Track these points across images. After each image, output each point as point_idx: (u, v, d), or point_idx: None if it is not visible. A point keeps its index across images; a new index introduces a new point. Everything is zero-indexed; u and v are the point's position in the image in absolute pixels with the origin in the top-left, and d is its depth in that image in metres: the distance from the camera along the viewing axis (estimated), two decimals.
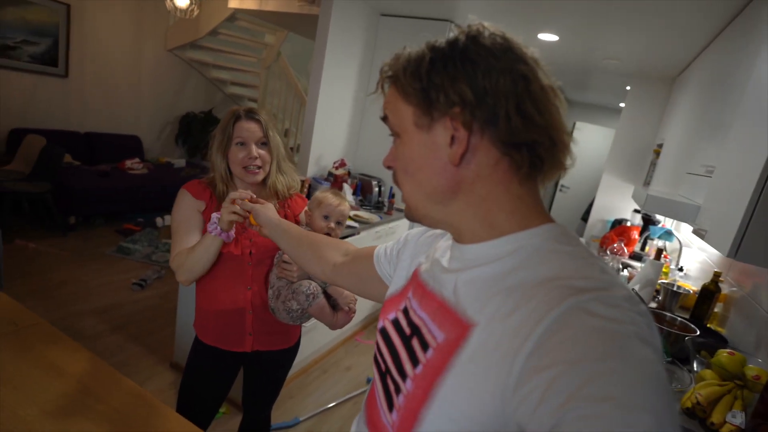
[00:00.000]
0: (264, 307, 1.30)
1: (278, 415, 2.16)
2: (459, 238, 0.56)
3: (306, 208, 1.34)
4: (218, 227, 1.12)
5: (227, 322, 1.29)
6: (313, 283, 1.25)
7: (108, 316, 2.77)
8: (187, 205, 1.24)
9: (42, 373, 1.08)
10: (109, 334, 2.58)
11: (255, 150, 1.21)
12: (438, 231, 0.69)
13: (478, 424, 0.45)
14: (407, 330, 0.59)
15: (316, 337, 2.55)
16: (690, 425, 1.17)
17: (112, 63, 4.78)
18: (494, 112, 0.48)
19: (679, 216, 1.55)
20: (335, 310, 1.30)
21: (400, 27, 3.21)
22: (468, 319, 0.49)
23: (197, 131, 5.58)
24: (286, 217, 1.33)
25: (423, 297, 0.59)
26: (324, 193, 1.31)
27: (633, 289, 1.95)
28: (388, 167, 0.60)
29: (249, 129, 1.21)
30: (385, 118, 0.58)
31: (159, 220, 4.29)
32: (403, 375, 0.55)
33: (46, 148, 3.82)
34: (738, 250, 1.05)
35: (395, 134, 0.56)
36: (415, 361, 0.54)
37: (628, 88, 3.75)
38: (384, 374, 0.61)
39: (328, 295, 1.29)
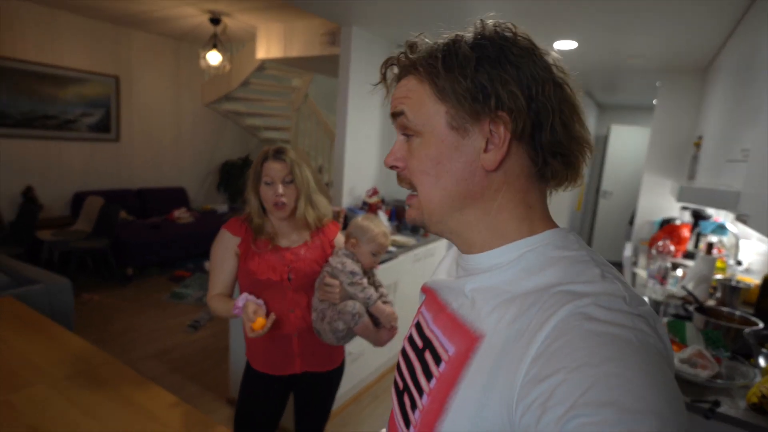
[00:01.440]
0: (308, 329, 1.37)
1: None
2: (468, 248, 0.55)
3: (347, 234, 1.40)
4: (241, 313, 1.26)
5: (276, 347, 1.36)
6: (357, 303, 1.31)
7: (166, 357, 2.91)
8: (223, 245, 1.37)
9: (115, 404, 1.17)
10: (168, 375, 2.70)
11: (281, 188, 1.32)
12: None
13: None
14: (420, 343, 0.59)
15: (365, 364, 2.56)
16: (757, 420, 1.11)
17: (155, 122, 5.19)
18: (539, 120, 0.47)
19: (718, 204, 1.50)
20: (378, 327, 1.35)
21: None
22: (475, 331, 0.49)
23: (236, 177, 5.89)
24: (321, 242, 1.42)
25: (435, 310, 0.58)
26: (373, 228, 1.36)
27: (684, 287, 1.87)
28: (393, 167, 0.55)
29: (275, 168, 1.32)
30: (398, 114, 0.53)
31: (207, 264, 4.47)
32: (419, 390, 0.54)
33: (104, 207, 4.15)
34: None
35: (412, 132, 0.52)
36: (429, 375, 0.53)
37: (658, 84, 3.67)
38: (401, 392, 0.60)
39: (370, 314, 1.34)
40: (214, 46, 4.08)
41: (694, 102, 3.42)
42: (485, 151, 0.48)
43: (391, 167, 0.55)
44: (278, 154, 1.34)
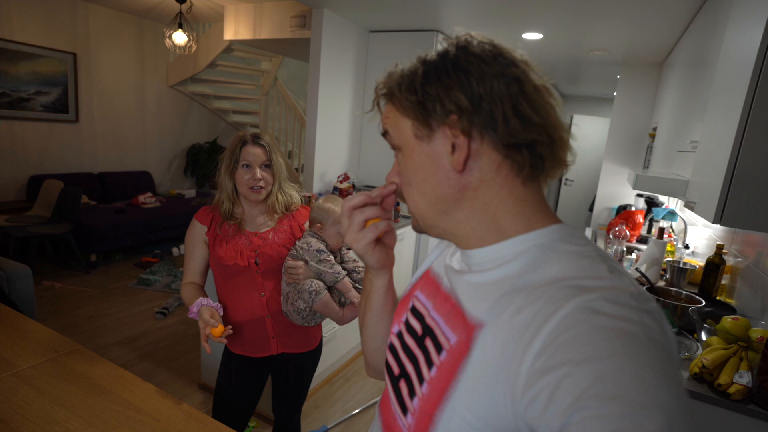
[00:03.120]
0: (281, 311, 1.40)
1: (307, 424, 2.22)
2: (466, 245, 0.56)
3: (310, 219, 1.43)
4: (197, 317, 1.28)
5: (251, 330, 1.40)
6: (315, 281, 1.34)
7: (135, 344, 2.87)
8: (193, 234, 1.40)
9: (85, 392, 1.16)
10: (138, 362, 2.67)
11: (259, 172, 1.34)
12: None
13: (491, 426, 0.45)
14: (419, 330, 0.59)
15: (338, 347, 2.61)
16: (699, 389, 1.22)
17: (118, 104, 4.98)
18: (491, 116, 0.48)
19: (670, 192, 1.61)
20: (343, 306, 1.38)
21: (390, 41, 3.33)
22: (478, 321, 0.49)
23: (204, 161, 5.75)
24: (290, 226, 1.44)
25: (436, 297, 0.59)
26: (335, 209, 1.38)
27: (638, 269, 2.00)
28: (391, 183, 0.60)
29: (254, 153, 1.34)
30: (385, 134, 0.58)
31: (175, 250, 4.41)
32: (420, 377, 0.55)
33: (64, 191, 3.98)
34: (722, 216, 1.11)
35: (396, 148, 0.57)
36: (430, 363, 0.54)
37: (618, 76, 3.82)
38: (397, 378, 0.60)
39: (336, 293, 1.37)
40: (180, 26, 3.93)
41: (650, 94, 3.58)
42: (452, 154, 0.51)
43: (390, 184, 0.61)
44: (257, 138, 1.35)
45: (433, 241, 0.70)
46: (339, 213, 1.34)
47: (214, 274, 1.43)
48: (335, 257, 1.42)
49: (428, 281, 0.63)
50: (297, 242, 1.39)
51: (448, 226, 0.56)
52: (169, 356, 2.76)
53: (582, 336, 0.39)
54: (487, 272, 0.52)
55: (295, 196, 1.48)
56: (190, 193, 5.52)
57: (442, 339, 0.54)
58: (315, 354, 1.53)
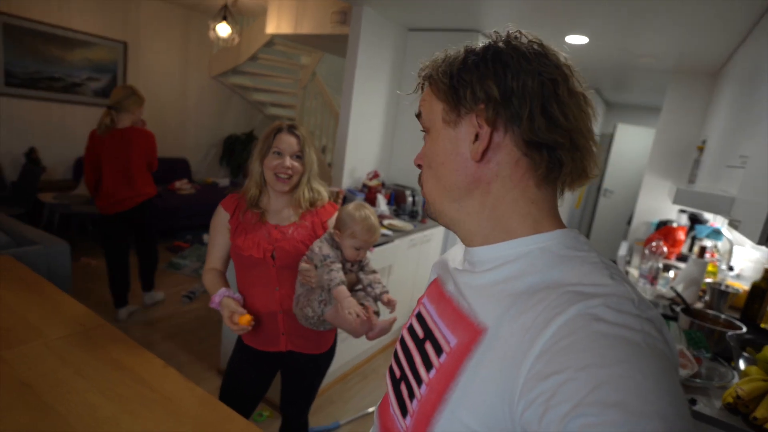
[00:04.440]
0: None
1: (320, 419, 2.23)
2: (470, 241, 0.56)
3: (334, 222, 1.34)
4: (218, 307, 1.31)
5: (262, 323, 1.38)
6: (324, 291, 1.27)
7: (161, 326, 2.96)
8: (217, 220, 1.41)
9: (105, 366, 1.20)
10: (161, 343, 2.75)
11: (289, 161, 1.32)
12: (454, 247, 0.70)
13: (489, 429, 0.45)
14: (420, 333, 0.60)
15: (355, 344, 2.61)
16: (732, 420, 1.14)
17: (162, 92, 5.16)
18: (518, 111, 0.49)
19: (713, 208, 1.51)
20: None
21: (428, 40, 3.30)
22: (479, 324, 0.49)
23: (240, 151, 5.89)
24: (312, 223, 1.40)
25: (440, 301, 0.59)
26: (356, 221, 1.28)
27: (673, 288, 1.89)
28: (418, 165, 0.61)
29: (287, 141, 1.33)
30: (419, 115, 0.60)
31: (205, 237, 4.53)
32: (418, 379, 0.55)
33: None
34: None
35: (426, 130, 0.59)
36: (429, 365, 0.54)
37: (667, 86, 3.64)
38: (398, 381, 0.61)
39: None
40: (224, 18, 4.03)
41: (701, 106, 3.39)
42: (474, 143, 0.52)
43: (417, 165, 0.61)
44: (292, 128, 1.35)
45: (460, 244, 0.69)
46: (360, 227, 1.27)
47: (234, 262, 1.43)
48: (353, 266, 1.35)
49: (434, 287, 0.64)
50: (312, 244, 1.34)
51: (456, 215, 0.56)
52: (192, 340, 2.83)
53: (582, 342, 0.39)
54: (489, 273, 0.52)
55: (323, 192, 1.44)
56: (224, 181, 5.67)
57: (442, 341, 0.54)
58: (327, 356, 1.49)
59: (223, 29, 4.04)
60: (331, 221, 1.43)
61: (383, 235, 2.63)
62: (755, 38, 2.07)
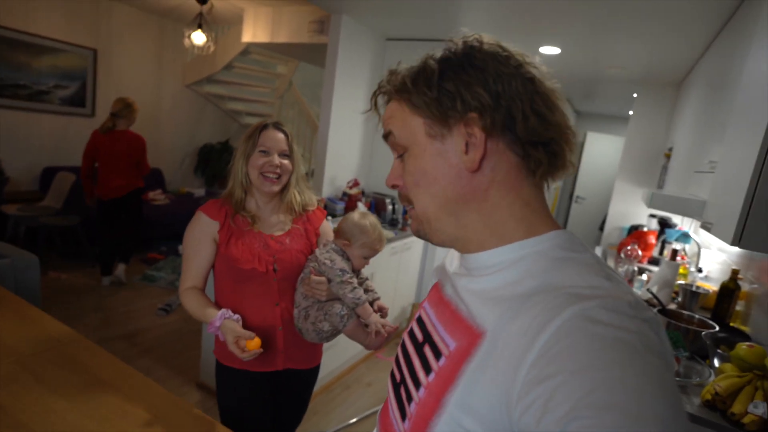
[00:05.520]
0: (293, 323, 1.28)
1: (304, 430, 2.19)
2: (467, 249, 0.56)
3: (339, 229, 1.29)
4: (218, 332, 1.15)
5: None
6: (345, 306, 1.22)
7: (137, 340, 2.86)
8: (200, 229, 1.25)
9: (84, 383, 1.15)
10: (138, 357, 2.66)
11: (277, 159, 1.22)
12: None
13: (486, 431, 0.45)
14: (420, 337, 0.59)
15: (338, 354, 2.58)
16: (711, 417, 1.18)
17: (135, 100, 5.03)
18: (510, 114, 0.48)
19: (686, 212, 1.58)
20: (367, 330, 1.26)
21: (406, 50, 3.34)
22: (477, 327, 0.49)
23: (215, 161, 5.79)
24: (305, 230, 1.33)
25: (439, 305, 0.59)
26: (370, 232, 1.25)
27: (649, 290, 1.96)
28: (393, 186, 0.59)
29: (274, 138, 1.23)
30: (387, 135, 0.57)
31: (180, 248, 4.41)
32: (416, 383, 0.55)
33: (76, 184, 4.01)
34: (741, 238, 1.08)
35: (401, 149, 0.56)
36: (428, 369, 0.54)
37: (635, 95, 3.79)
38: (398, 385, 0.61)
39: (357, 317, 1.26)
40: (200, 26, 3.98)
41: (667, 114, 3.55)
42: (466, 153, 0.50)
43: (392, 186, 0.59)
44: (278, 125, 1.26)
45: (441, 251, 0.69)
46: (373, 238, 1.24)
47: (221, 276, 1.28)
48: (356, 275, 1.30)
49: (434, 291, 0.63)
50: (318, 253, 1.25)
51: (454, 230, 0.55)
52: (169, 353, 2.75)
53: (578, 345, 0.38)
54: (486, 278, 0.52)
55: (312, 196, 1.37)
56: (200, 191, 5.55)
57: (441, 345, 0.53)
58: (316, 371, 1.42)
59: (199, 37, 3.99)
60: (324, 227, 1.37)
61: None
62: (716, 50, 2.19)
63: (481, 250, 0.53)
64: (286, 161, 1.25)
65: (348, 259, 1.25)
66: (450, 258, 0.66)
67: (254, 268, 1.22)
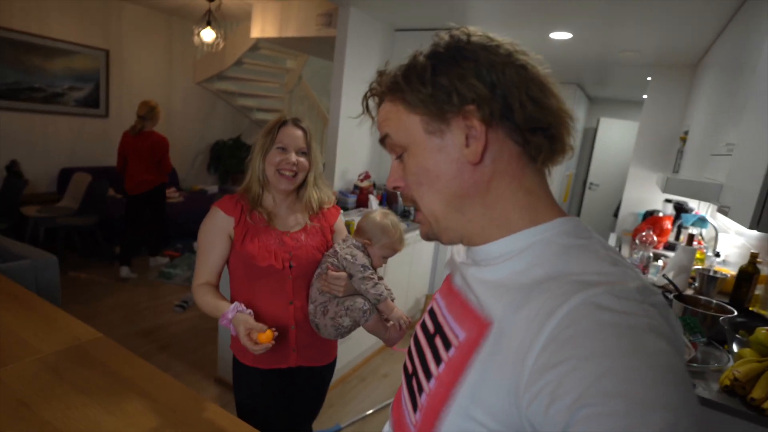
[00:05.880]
0: (307, 321, 1.27)
1: (320, 423, 2.21)
2: (474, 242, 0.55)
3: (360, 228, 1.29)
4: (230, 326, 1.14)
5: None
6: (367, 300, 1.22)
7: (154, 336, 2.92)
8: (215, 225, 1.24)
9: (105, 380, 1.18)
10: (156, 353, 2.72)
11: (294, 156, 1.21)
12: None
13: (497, 422, 0.45)
14: (431, 328, 0.60)
15: (353, 347, 2.60)
16: (730, 402, 1.16)
17: (145, 99, 5.09)
18: (507, 102, 0.48)
19: (702, 196, 1.54)
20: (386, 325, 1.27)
21: (415, 40, 3.31)
22: (486, 318, 0.49)
23: (227, 157, 5.84)
24: (321, 227, 1.31)
25: (449, 296, 0.59)
26: (392, 233, 1.26)
27: (665, 276, 1.93)
28: (395, 188, 0.58)
29: (292, 135, 1.21)
30: (383, 138, 0.57)
31: (195, 245, 4.48)
32: (428, 374, 0.55)
33: (92, 184, 4.09)
34: (759, 221, 1.06)
35: (400, 149, 0.55)
36: (438, 360, 0.54)
37: (649, 79, 3.71)
38: (410, 376, 0.61)
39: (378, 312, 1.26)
40: (209, 23, 4.00)
41: (682, 97, 3.46)
42: (467, 146, 0.50)
43: (394, 188, 0.58)
44: (297, 121, 1.24)
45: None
46: (395, 239, 1.25)
47: (236, 273, 1.27)
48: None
49: (446, 282, 0.64)
50: (338, 249, 1.25)
51: (461, 225, 0.55)
52: (187, 349, 2.80)
53: (586, 332, 0.38)
54: (494, 267, 0.52)
55: (329, 193, 1.35)
56: (213, 188, 5.61)
57: (450, 336, 0.54)
58: (332, 366, 1.41)
59: (208, 34, 4.01)
60: (338, 225, 1.36)
61: None
62: (734, 29, 2.12)
63: (487, 241, 0.53)
64: (303, 159, 1.23)
65: (368, 256, 1.26)
66: (458, 248, 0.66)
67: (271, 265, 1.21)
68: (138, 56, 4.93)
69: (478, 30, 0.52)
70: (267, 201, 1.27)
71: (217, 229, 1.24)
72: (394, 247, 1.27)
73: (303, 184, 1.27)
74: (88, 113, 4.61)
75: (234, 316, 1.14)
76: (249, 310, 1.18)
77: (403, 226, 1.89)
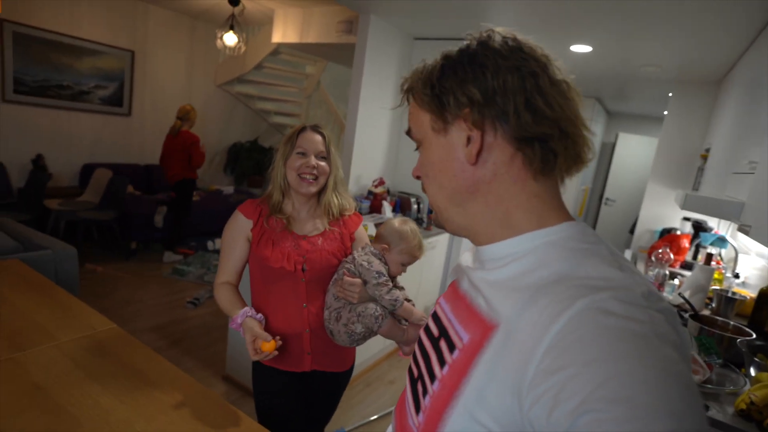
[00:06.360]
0: (321, 326, 1.28)
1: None
2: (478, 241, 0.56)
3: (378, 235, 1.29)
4: (240, 329, 1.18)
5: (285, 342, 1.23)
6: (379, 306, 1.21)
7: (166, 332, 2.96)
8: (235, 227, 1.28)
9: (118, 370, 1.21)
10: (167, 349, 2.75)
11: (314, 160, 1.23)
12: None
13: (499, 425, 0.45)
14: (435, 332, 0.60)
15: (360, 351, 2.59)
16: (746, 427, 1.13)
17: (167, 100, 5.21)
18: (503, 109, 0.49)
19: (722, 214, 1.51)
20: (405, 325, 1.26)
21: (434, 49, 3.31)
22: (490, 320, 0.49)
23: (244, 159, 5.92)
24: (340, 234, 1.32)
25: (454, 300, 0.60)
26: (410, 239, 1.26)
27: (681, 294, 1.89)
28: (416, 177, 0.62)
29: (311, 140, 1.24)
30: (409, 131, 0.60)
31: (210, 244, 4.54)
32: (432, 377, 0.56)
33: (113, 180, 4.19)
34: None
35: (418, 143, 0.59)
36: (442, 362, 0.54)
37: (670, 94, 3.66)
38: (415, 380, 0.61)
39: (395, 317, 1.26)
40: (231, 27, 4.08)
41: (704, 114, 3.41)
42: (467, 147, 0.52)
43: (416, 177, 0.62)
44: (316, 127, 1.27)
45: (464, 249, 0.70)
46: (413, 244, 1.25)
47: (254, 276, 1.30)
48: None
49: (451, 288, 0.64)
50: (356, 255, 1.25)
51: (462, 220, 0.56)
52: (197, 346, 2.83)
53: (590, 336, 0.38)
54: (499, 270, 0.52)
55: (350, 200, 1.36)
56: (229, 189, 5.69)
57: (455, 338, 0.54)
58: (348, 373, 1.41)
59: (230, 38, 4.09)
60: (359, 233, 1.36)
61: None
62: (761, 45, 2.09)
63: (493, 241, 0.54)
64: (323, 163, 1.25)
65: (386, 263, 1.26)
66: (465, 255, 0.67)
67: (282, 266, 1.22)
68: (162, 58, 5.05)
69: (508, 32, 0.54)
70: (287, 207, 1.29)
71: (236, 232, 1.28)
72: (413, 253, 1.27)
73: (323, 189, 1.29)
74: (112, 111, 4.73)
75: (243, 321, 1.17)
76: (260, 315, 1.20)
77: None
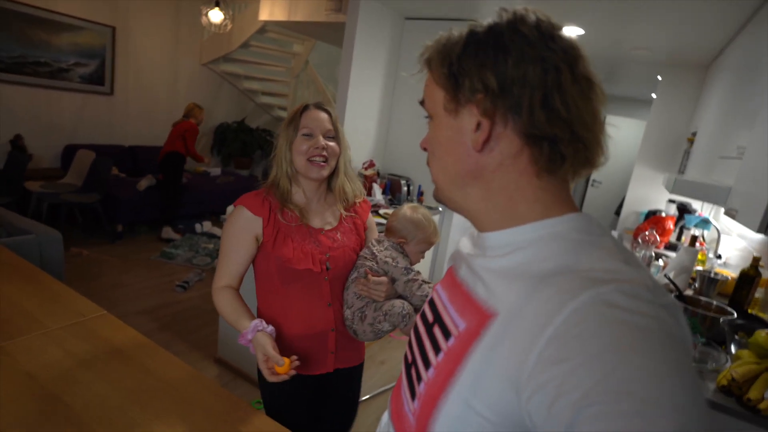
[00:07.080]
0: (344, 323, 1.22)
1: None
2: (481, 226, 0.55)
3: (391, 227, 1.24)
4: (249, 345, 1.06)
5: (307, 344, 1.16)
6: (405, 303, 1.16)
7: (155, 315, 2.94)
8: (240, 226, 1.12)
9: (109, 356, 1.20)
10: (157, 332, 2.74)
11: (323, 140, 1.11)
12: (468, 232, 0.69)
13: (494, 413, 0.44)
14: (430, 318, 0.60)
15: None
16: (727, 402, 1.18)
17: (151, 79, 5.07)
18: (518, 102, 0.46)
19: (709, 198, 1.54)
20: None
21: (425, 29, 3.28)
22: (488, 309, 0.48)
23: (231, 140, 5.82)
24: (355, 224, 1.24)
25: (452, 287, 0.59)
26: (420, 219, 1.22)
27: (666, 275, 1.93)
28: (424, 149, 0.60)
29: (317, 118, 1.12)
30: (423, 101, 0.58)
31: (198, 226, 4.50)
32: (426, 363, 0.55)
33: (96, 162, 4.09)
34: None
35: (430, 116, 0.56)
36: (437, 349, 0.54)
37: (659, 78, 3.68)
38: (410, 366, 0.61)
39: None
40: (217, 4, 3.96)
41: (692, 98, 3.44)
42: (475, 132, 0.50)
43: (423, 149, 0.60)
44: (320, 104, 1.15)
45: (453, 233, 0.69)
46: (430, 231, 1.21)
47: (265, 277, 1.17)
48: None
49: (448, 274, 0.63)
50: (376, 252, 1.19)
51: (463, 202, 0.55)
52: (188, 329, 2.82)
53: (594, 329, 0.38)
54: (500, 258, 0.51)
55: (360, 187, 1.26)
56: (216, 171, 5.60)
57: (450, 326, 0.53)
58: (362, 365, 1.35)
59: (216, 15, 3.97)
60: (370, 221, 1.30)
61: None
62: (751, 30, 2.10)
63: (495, 229, 0.53)
64: (332, 143, 1.13)
65: (406, 255, 1.22)
66: (464, 242, 0.66)
67: (308, 268, 1.12)
68: (144, 34, 4.88)
69: (544, 15, 0.50)
70: (297, 196, 1.17)
71: (242, 231, 1.13)
72: (430, 240, 1.23)
73: (334, 173, 1.18)
74: (94, 90, 4.59)
75: (254, 336, 1.05)
76: (270, 328, 1.08)
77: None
